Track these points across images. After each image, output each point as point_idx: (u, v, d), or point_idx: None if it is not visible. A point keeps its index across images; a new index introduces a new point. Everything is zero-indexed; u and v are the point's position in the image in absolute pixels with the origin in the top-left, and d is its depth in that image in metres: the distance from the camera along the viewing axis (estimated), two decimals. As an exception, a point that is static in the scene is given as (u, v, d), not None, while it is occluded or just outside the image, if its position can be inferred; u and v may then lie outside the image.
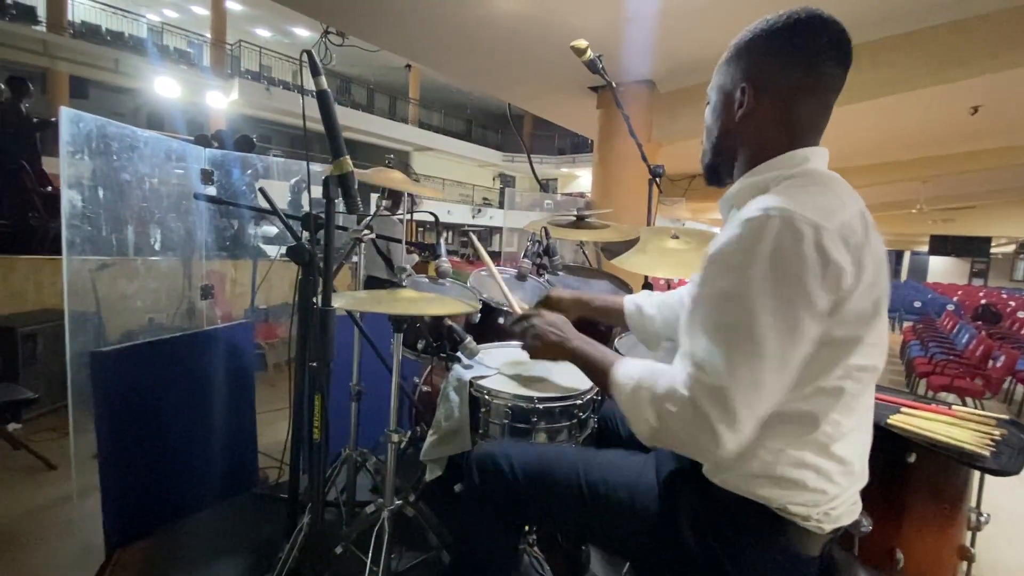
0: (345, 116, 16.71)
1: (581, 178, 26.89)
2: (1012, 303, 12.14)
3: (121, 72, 13.07)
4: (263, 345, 3.78)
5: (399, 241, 1.73)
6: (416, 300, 1.20)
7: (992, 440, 1.21)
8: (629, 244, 2.04)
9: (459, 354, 1.39)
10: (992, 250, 18.43)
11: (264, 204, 1.37)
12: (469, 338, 1.39)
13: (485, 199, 23.48)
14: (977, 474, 1.31)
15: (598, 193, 3.95)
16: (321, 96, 0.85)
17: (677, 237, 1.94)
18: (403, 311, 1.17)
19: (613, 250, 2.07)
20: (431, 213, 1.67)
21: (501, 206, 22.74)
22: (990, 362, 5.80)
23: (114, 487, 1.67)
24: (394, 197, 2.45)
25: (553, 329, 1.02)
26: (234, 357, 2.08)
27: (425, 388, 1.89)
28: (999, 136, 5.13)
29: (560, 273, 1.99)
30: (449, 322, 1.37)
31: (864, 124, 4.55)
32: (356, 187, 0.88)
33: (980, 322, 9.48)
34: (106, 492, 1.66)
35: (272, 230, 4.33)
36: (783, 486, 0.80)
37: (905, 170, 6.73)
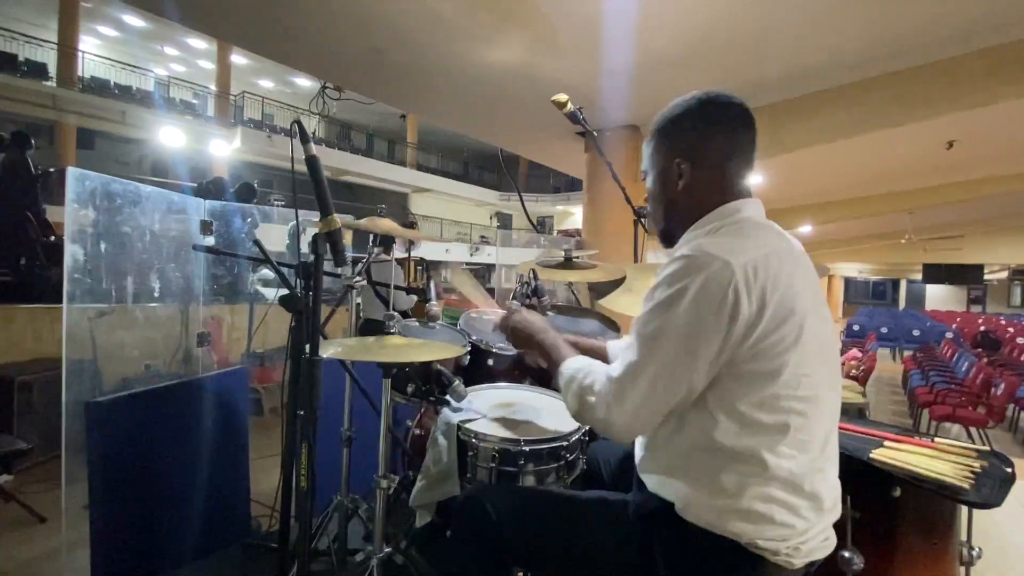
0: (345, 161, 17.17)
1: (576, 215, 27.34)
2: (1011, 329, 12.16)
3: (127, 123, 13.49)
4: (259, 390, 3.78)
5: (387, 286, 1.78)
6: (403, 347, 1.24)
7: (972, 472, 1.22)
8: (617, 283, 2.10)
9: (448, 397, 1.41)
10: (986, 277, 18.58)
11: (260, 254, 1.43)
12: (457, 381, 1.42)
13: (483, 237, 23.83)
14: (964, 507, 1.31)
15: (589, 232, 4.06)
16: (310, 162, 0.91)
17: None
18: (390, 358, 1.21)
19: (601, 290, 2.12)
20: (420, 259, 1.73)
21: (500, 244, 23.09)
22: (992, 389, 5.77)
23: (104, 539, 1.65)
24: (386, 243, 2.52)
25: (524, 322, 1.18)
26: (228, 403, 2.10)
27: (417, 431, 1.90)
28: (975, 168, 5.31)
29: (549, 313, 2.04)
30: (437, 366, 1.41)
31: (846, 160, 4.71)
32: (343, 242, 0.94)
33: (980, 349, 9.46)
34: (96, 544, 1.64)
35: (270, 274, 4.40)
36: (752, 520, 0.83)
37: (890, 202, 6.91)
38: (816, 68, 3.17)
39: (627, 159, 3.71)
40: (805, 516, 0.84)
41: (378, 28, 2.86)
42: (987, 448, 1.38)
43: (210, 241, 2.18)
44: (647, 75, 3.08)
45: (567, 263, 2.20)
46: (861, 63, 3.15)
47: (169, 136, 11.76)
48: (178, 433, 1.90)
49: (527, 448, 1.23)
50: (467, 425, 1.31)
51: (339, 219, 0.94)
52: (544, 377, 1.81)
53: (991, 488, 1.18)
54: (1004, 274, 20.94)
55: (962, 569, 1.34)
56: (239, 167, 15.29)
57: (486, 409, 1.44)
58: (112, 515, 1.67)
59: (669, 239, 1.03)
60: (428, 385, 1.43)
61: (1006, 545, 2.26)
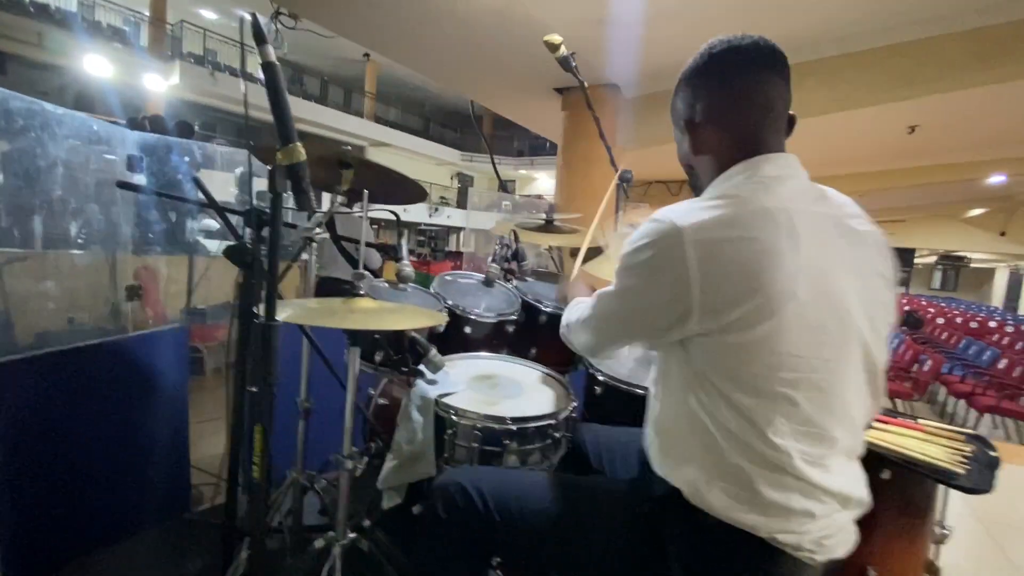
0: (297, 107, 15.89)
1: (539, 180, 27.04)
2: (932, 310, 13.14)
3: (45, 47, 11.95)
4: (201, 348, 3.48)
5: (356, 241, 1.58)
6: (375, 311, 1.07)
7: (964, 457, 1.21)
8: (600, 249, 1.98)
9: (422, 368, 1.26)
10: (915, 260, 19.92)
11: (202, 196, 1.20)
12: (433, 350, 1.27)
13: (443, 198, 23.20)
14: (941, 488, 1.32)
15: (563, 196, 3.90)
16: (267, 69, 0.71)
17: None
18: (361, 324, 1.04)
19: (585, 256, 1.99)
20: (392, 212, 1.54)
21: (459, 206, 22.54)
22: (916, 366, 6.21)
23: (16, 518, 1.43)
24: (355, 194, 2.26)
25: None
26: (165, 365, 1.86)
27: (382, 401, 1.75)
28: (933, 154, 5.48)
29: (529, 279, 1.90)
30: (412, 333, 1.25)
31: (806, 140, 4.73)
32: (308, 179, 0.75)
33: (905, 327, 10.17)
34: (5, 524, 1.42)
35: (213, 223, 4.01)
36: (769, 512, 0.76)
37: (843, 184, 7.12)
38: (805, 38, 3.07)
39: (607, 122, 3.53)
40: (826, 507, 0.77)
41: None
42: (972, 431, 1.38)
43: (139, 180, 1.88)
44: (640, 28, 2.88)
45: (548, 226, 2.06)
46: (846, 36, 3.08)
47: (94, 65, 10.51)
48: (106, 398, 1.66)
49: (514, 427, 1.11)
50: (445, 400, 1.17)
51: (302, 149, 0.74)
52: (523, 347, 1.69)
53: (980, 473, 1.18)
54: (932, 259, 22.51)
55: (933, 547, 1.36)
56: (177, 106, 13.96)
57: (464, 382, 1.31)
58: (24, 490, 1.45)
59: (698, 192, 0.94)
60: (400, 354, 1.27)
61: (966, 524, 2.40)
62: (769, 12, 2.87)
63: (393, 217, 1.62)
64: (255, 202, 1.22)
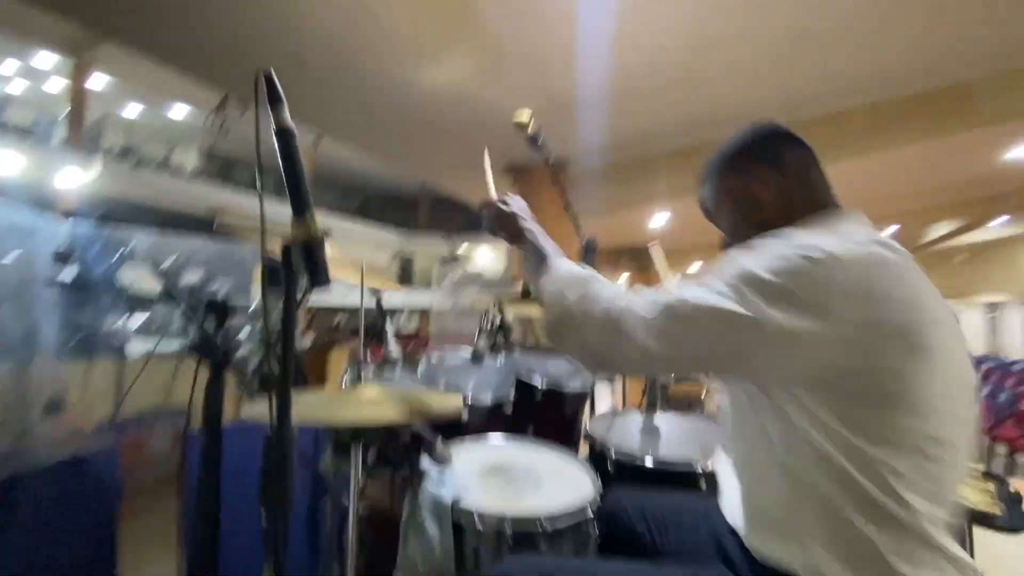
0: (227, 200, 15.59)
1: (477, 256, 27.48)
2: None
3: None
4: (130, 465, 2.99)
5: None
6: (381, 401, 0.93)
7: (991, 496, 1.19)
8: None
9: (426, 465, 1.10)
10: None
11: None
12: (439, 440, 1.12)
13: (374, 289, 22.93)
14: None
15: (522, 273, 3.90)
16: (282, 135, 0.62)
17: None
18: (376, 417, 0.88)
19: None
20: (373, 290, 1.42)
21: (401, 283, 22.27)
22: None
23: None
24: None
25: (517, 219, 1.02)
26: (87, 499, 1.54)
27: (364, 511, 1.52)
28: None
29: (517, 352, 1.80)
30: (416, 424, 1.10)
31: None
32: (324, 254, 0.65)
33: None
34: None
35: (139, 321, 3.62)
36: None
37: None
38: (734, 112, 3.40)
39: (556, 193, 3.65)
40: None
41: (303, 32, 2.53)
42: (982, 468, 1.38)
43: (69, 274, 1.66)
44: (590, 110, 3.08)
45: (525, 296, 2.00)
46: (770, 109, 3.46)
47: (3, 160, 9.83)
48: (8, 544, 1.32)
49: (549, 526, 0.96)
50: (464, 503, 1.01)
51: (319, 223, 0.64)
52: (519, 426, 1.56)
53: (1012, 511, 1.15)
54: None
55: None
56: (96, 202, 13.20)
57: (474, 477, 1.15)
58: None
59: None
60: (403, 450, 1.11)
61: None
62: (712, 87, 3.16)
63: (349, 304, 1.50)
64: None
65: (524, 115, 1.92)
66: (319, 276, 0.64)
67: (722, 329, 0.69)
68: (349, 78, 2.90)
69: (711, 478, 1.27)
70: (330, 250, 0.64)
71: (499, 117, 3.04)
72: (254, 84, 0.63)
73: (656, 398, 2.21)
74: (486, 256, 27.10)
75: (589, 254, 2.28)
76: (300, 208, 0.62)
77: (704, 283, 0.73)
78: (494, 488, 1.11)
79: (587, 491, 1.08)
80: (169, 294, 1.06)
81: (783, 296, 0.67)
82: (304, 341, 2.47)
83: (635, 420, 1.68)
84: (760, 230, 0.84)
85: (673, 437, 1.55)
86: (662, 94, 3.03)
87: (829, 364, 0.67)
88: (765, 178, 0.89)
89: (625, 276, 8.35)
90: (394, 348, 1.29)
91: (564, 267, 0.92)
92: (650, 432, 1.58)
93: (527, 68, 2.75)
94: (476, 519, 0.96)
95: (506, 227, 1.04)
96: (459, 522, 0.97)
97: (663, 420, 1.67)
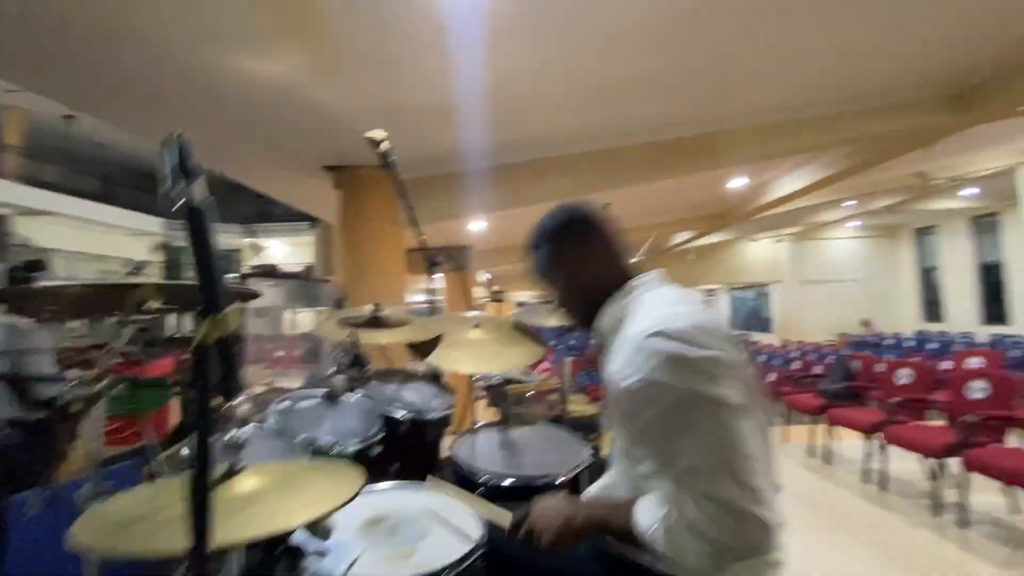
0: None
1: (271, 249, 24.63)
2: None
3: None
4: None
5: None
6: (261, 495, 0.78)
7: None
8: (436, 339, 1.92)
9: (304, 540, 0.99)
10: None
11: None
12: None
13: (139, 267, 18.74)
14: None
15: (348, 276, 3.66)
16: (193, 215, 0.49)
17: (479, 326, 1.95)
18: (263, 530, 0.74)
19: (423, 349, 1.91)
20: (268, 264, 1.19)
21: (170, 278, 18.53)
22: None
23: None
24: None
25: (554, 513, 0.93)
26: None
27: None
28: (622, 222, 7.40)
29: (374, 383, 1.71)
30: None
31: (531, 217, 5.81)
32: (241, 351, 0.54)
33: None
34: None
35: None
36: None
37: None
38: (547, 138, 3.81)
39: (386, 201, 3.54)
40: None
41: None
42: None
43: None
44: (419, 120, 3.05)
45: (375, 321, 1.91)
46: (572, 141, 3.96)
47: None
48: None
49: (453, 579, 0.96)
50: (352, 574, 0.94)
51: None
52: (384, 465, 1.49)
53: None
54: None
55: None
56: None
57: (356, 538, 1.08)
58: None
59: (590, 321, 1.09)
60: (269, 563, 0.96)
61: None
62: (525, 115, 3.45)
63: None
64: None
65: (379, 134, 1.84)
66: (231, 380, 0.53)
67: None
68: (142, 55, 2.32)
69: (574, 484, 1.42)
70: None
71: (323, 116, 2.79)
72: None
73: (509, 411, 2.33)
74: (278, 249, 24.40)
75: (434, 265, 2.30)
76: (214, 303, 0.50)
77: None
78: (382, 547, 1.06)
79: (472, 529, 1.10)
80: None
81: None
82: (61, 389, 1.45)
83: (493, 437, 1.74)
84: (587, 298, 1.07)
85: (531, 449, 1.65)
86: (485, 118, 3.23)
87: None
88: (579, 255, 1.07)
89: (441, 274, 8.52)
90: (245, 399, 1.10)
91: (642, 521, 0.84)
92: (509, 448, 1.66)
93: (364, 72, 2.59)
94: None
95: (565, 539, 0.91)
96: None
97: (518, 433, 1.77)
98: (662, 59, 2.86)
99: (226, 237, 21.46)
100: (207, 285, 0.51)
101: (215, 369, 0.53)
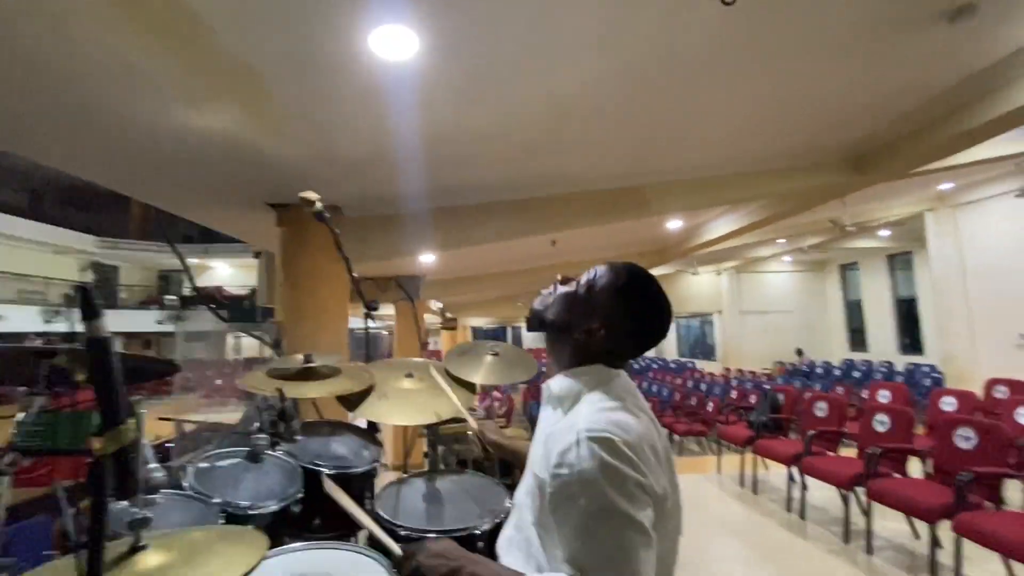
0: None
1: (216, 269, 23.65)
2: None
3: None
4: None
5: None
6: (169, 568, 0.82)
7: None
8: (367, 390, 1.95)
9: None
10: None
11: None
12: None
13: (69, 295, 17.63)
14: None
15: (290, 314, 3.63)
16: (96, 345, 0.55)
17: (411, 375, 2.00)
18: None
19: (351, 400, 1.94)
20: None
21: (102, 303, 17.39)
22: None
23: None
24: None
25: (442, 561, 0.91)
26: None
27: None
28: (567, 256, 7.64)
29: (299, 438, 1.73)
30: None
31: (497, 248, 5.95)
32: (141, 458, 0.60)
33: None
34: None
35: None
36: None
37: (512, 279, 9.08)
38: (492, 185, 3.97)
39: (328, 239, 3.55)
40: None
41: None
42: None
43: None
44: (359, 164, 3.12)
45: (306, 373, 1.93)
46: (522, 187, 4.16)
47: None
48: None
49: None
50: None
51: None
52: (306, 521, 1.52)
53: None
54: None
55: None
56: None
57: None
58: None
59: (539, 328, 1.11)
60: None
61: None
62: (467, 167, 3.61)
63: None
64: None
65: (312, 195, 1.91)
66: (129, 486, 0.60)
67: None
68: (72, 99, 2.30)
69: (492, 535, 1.48)
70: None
71: (264, 161, 2.83)
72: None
73: (437, 461, 2.37)
74: (224, 270, 23.47)
75: (371, 312, 2.35)
76: (113, 420, 0.57)
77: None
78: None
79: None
80: None
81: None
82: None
83: (418, 488, 1.77)
84: (564, 329, 1.04)
85: (453, 499, 1.70)
86: (427, 168, 3.37)
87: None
88: (607, 325, 0.99)
89: (393, 304, 8.48)
90: (156, 469, 1.12)
91: None
92: (432, 499, 1.70)
93: (302, 127, 2.67)
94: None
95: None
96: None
97: (444, 482, 1.81)
98: (600, 123, 3.09)
99: (166, 257, 20.43)
100: (107, 405, 0.58)
101: (113, 475, 0.59)
